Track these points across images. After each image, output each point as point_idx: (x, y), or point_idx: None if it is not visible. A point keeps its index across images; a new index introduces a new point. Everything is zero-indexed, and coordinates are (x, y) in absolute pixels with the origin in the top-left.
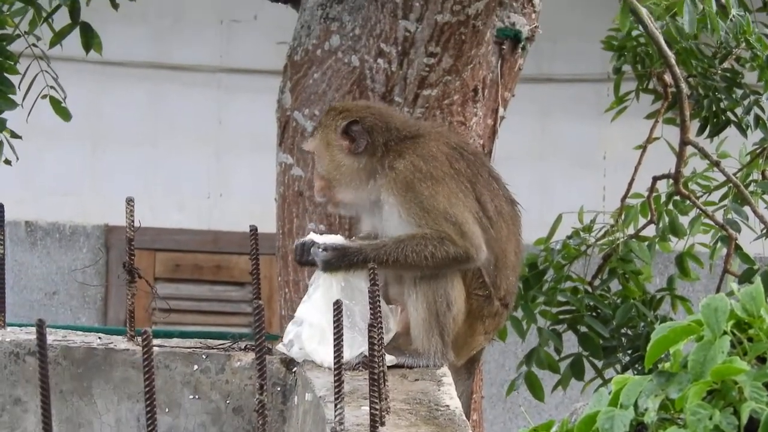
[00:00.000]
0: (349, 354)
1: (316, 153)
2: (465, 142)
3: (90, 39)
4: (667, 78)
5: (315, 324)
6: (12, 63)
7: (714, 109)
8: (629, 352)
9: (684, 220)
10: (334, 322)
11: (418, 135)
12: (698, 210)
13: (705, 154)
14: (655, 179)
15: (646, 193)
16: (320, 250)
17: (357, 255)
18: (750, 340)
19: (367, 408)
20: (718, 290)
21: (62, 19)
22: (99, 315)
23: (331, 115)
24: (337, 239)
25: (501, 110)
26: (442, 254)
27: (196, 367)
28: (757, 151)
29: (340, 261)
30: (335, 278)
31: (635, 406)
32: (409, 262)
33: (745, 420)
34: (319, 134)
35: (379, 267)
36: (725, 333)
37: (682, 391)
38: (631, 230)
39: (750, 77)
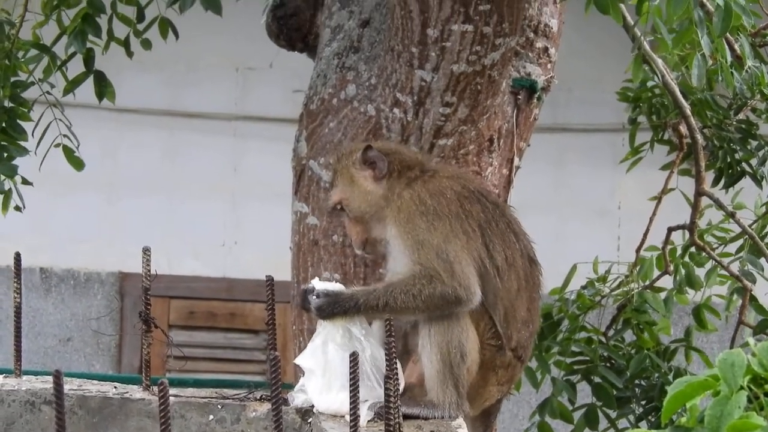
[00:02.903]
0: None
1: (343, 198)
2: (488, 190)
3: (103, 88)
4: (683, 129)
5: (314, 370)
6: (25, 110)
7: (729, 160)
8: (643, 402)
9: (700, 272)
10: (350, 374)
11: (434, 170)
12: (714, 261)
13: (720, 205)
14: (670, 230)
15: (660, 245)
16: (314, 297)
17: (349, 301)
18: (767, 395)
19: None
20: (732, 341)
21: (77, 66)
22: (113, 362)
23: (344, 157)
24: (335, 287)
25: (516, 160)
26: (429, 292)
27: (211, 417)
28: None
29: (332, 307)
30: (335, 326)
31: None
32: (399, 304)
33: None
34: (339, 180)
35: (372, 312)
36: (742, 388)
37: None
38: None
39: (765, 128)
